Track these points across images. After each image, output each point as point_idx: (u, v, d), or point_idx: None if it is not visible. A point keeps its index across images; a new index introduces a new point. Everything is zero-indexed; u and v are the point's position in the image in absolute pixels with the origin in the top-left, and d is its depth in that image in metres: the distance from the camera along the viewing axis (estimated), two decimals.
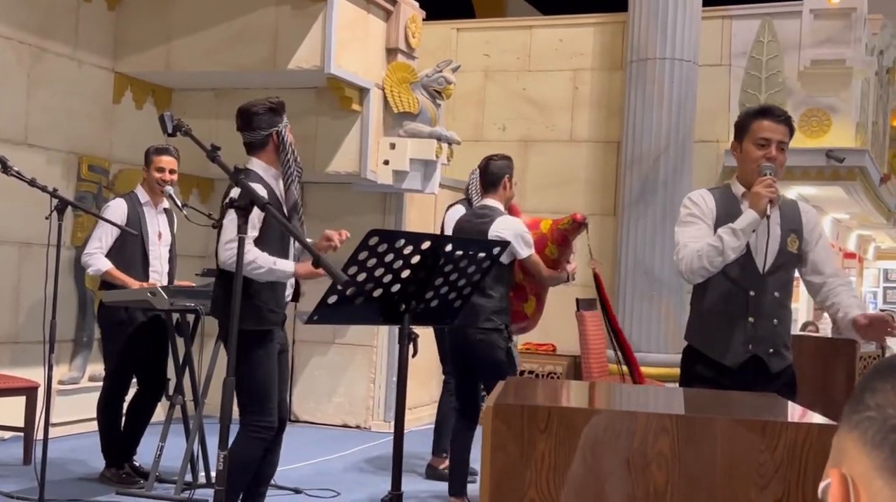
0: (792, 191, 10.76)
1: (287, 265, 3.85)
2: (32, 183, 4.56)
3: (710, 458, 2.07)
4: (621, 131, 8.67)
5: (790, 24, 8.77)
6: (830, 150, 8.66)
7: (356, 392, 7.79)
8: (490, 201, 5.02)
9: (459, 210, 5.87)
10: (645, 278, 8.19)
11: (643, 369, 8.02)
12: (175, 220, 5.65)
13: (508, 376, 4.83)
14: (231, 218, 3.67)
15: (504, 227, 4.86)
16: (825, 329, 11.40)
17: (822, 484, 0.91)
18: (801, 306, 12.90)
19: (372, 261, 2.61)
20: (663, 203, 8.18)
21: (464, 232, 4.86)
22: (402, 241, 2.65)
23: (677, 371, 8.15)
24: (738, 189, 3.53)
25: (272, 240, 3.88)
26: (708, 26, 8.69)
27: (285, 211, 3.97)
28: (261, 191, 3.73)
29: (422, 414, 7.92)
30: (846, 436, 0.89)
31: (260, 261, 3.77)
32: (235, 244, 3.69)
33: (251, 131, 4.00)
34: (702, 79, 8.48)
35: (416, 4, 7.74)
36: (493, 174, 5.05)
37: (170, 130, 3.07)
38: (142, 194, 5.47)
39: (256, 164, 4.00)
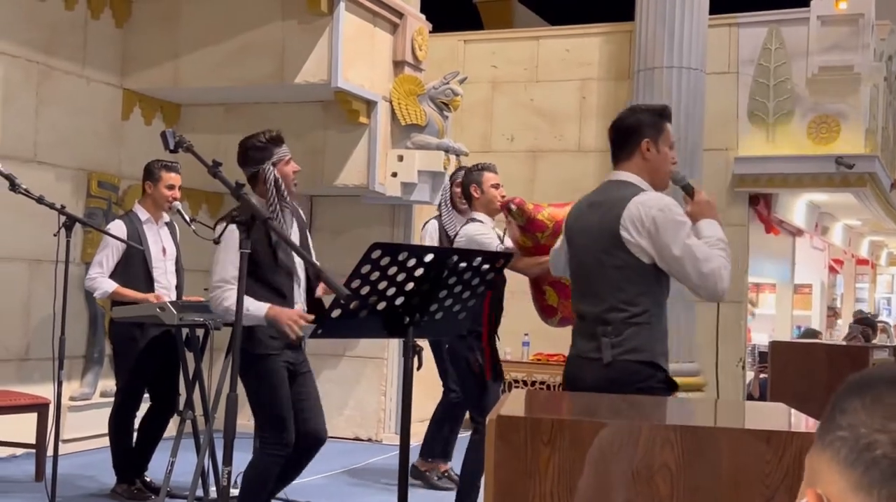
0: (802, 199, 10.73)
1: (259, 308, 3.85)
2: (40, 200, 4.59)
3: (714, 469, 2.06)
4: None
5: (798, 31, 8.75)
6: (840, 157, 8.62)
7: (367, 404, 7.79)
8: (475, 213, 5.06)
9: (435, 225, 6.01)
10: None
11: None
12: (178, 232, 5.66)
13: (478, 384, 4.80)
14: (220, 258, 3.78)
15: (461, 236, 4.91)
16: (835, 337, 11.35)
17: None
18: (814, 315, 12.86)
19: (375, 275, 2.61)
20: None
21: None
22: (405, 254, 2.64)
23: (688, 380, 8.15)
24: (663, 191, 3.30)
25: (268, 269, 3.95)
26: (715, 34, 8.68)
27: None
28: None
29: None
30: (819, 456, 0.89)
31: (233, 309, 3.79)
32: (224, 288, 3.80)
33: (244, 167, 4.12)
34: (709, 87, 8.47)
35: (423, 17, 7.75)
36: (464, 187, 5.13)
37: (171, 147, 3.08)
38: (141, 212, 5.47)
39: (254, 198, 4.02)
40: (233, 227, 3.68)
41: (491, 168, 5.15)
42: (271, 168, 4.04)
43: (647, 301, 3.16)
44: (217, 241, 3.53)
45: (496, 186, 5.03)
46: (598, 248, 3.15)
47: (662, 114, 3.30)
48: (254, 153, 4.08)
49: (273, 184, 4.03)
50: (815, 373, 6.11)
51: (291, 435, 4.07)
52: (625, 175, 3.23)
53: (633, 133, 3.23)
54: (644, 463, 2.03)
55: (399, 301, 2.74)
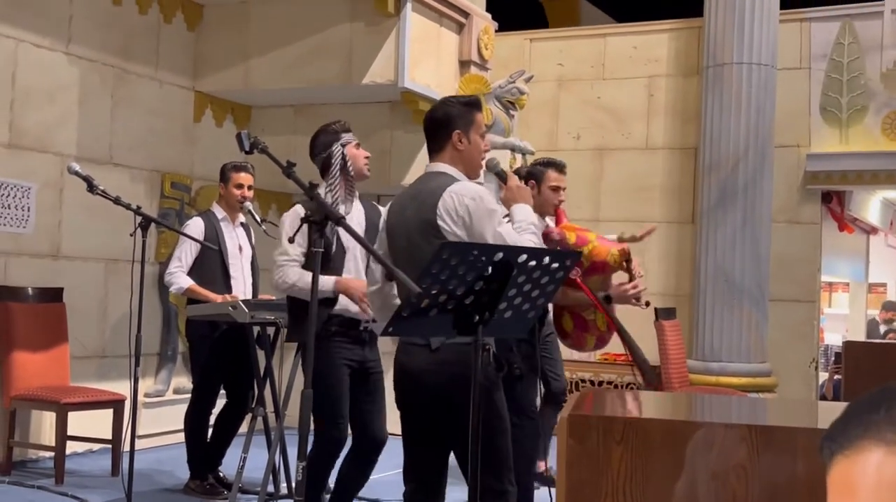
0: (877, 196, 10.49)
1: (326, 282, 3.95)
2: (117, 201, 4.70)
3: (790, 469, 2.03)
4: (698, 137, 8.56)
5: (871, 25, 8.56)
6: None
7: None
8: None
9: None
10: (725, 286, 8.06)
11: (725, 379, 7.90)
12: (252, 233, 5.76)
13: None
14: (280, 235, 3.95)
15: None
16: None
17: None
18: (858, 314, 12.54)
19: (445, 274, 2.63)
20: (743, 209, 8.04)
21: None
22: (475, 253, 2.65)
23: (760, 380, 8.04)
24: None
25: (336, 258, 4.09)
26: (786, 29, 8.53)
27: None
28: (293, 215, 4.02)
29: None
30: (858, 458, 0.84)
31: (300, 283, 4.04)
32: (285, 265, 4.05)
33: (315, 157, 4.29)
34: (781, 83, 8.33)
35: (489, 16, 7.76)
36: (525, 180, 5.13)
37: (247, 148, 3.13)
38: (218, 211, 5.59)
39: (322, 186, 4.18)
40: (296, 208, 4.02)
41: (557, 166, 5.07)
42: (340, 148, 4.21)
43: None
44: (291, 240, 3.58)
45: (556, 189, 4.95)
46: (417, 237, 3.23)
47: (472, 104, 3.42)
48: (324, 137, 4.25)
49: (340, 160, 4.17)
50: (890, 374, 5.98)
51: (342, 432, 4.10)
52: (440, 166, 3.35)
53: (444, 125, 3.34)
54: (719, 462, 2.02)
55: (468, 300, 2.75)
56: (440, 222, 3.18)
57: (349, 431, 4.23)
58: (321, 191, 4.10)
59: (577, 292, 4.33)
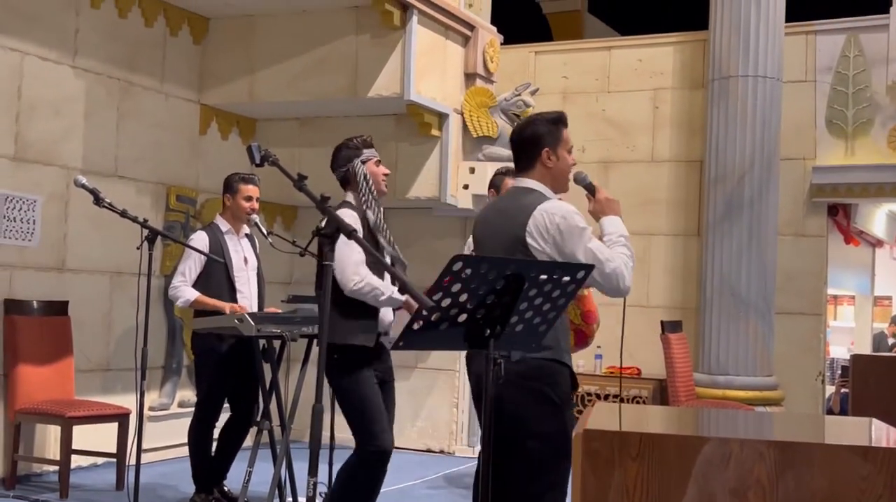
0: (883, 209, 10.48)
1: (398, 294, 4.12)
2: (124, 214, 4.69)
3: (809, 485, 2.01)
4: (704, 150, 8.55)
5: (877, 38, 8.55)
6: None
7: (439, 416, 7.79)
8: None
9: None
10: (731, 299, 8.03)
11: (732, 392, 7.86)
12: (257, 243, 5.74)
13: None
14: (344, 243, 3.76)
15: (467, 246, 5.01)
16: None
17: None
18: (864, 327, 12.50)
19: (456, 287, 2.61)
20: (749, 222, 8.02)
21: None
22: (487, 266, 2.63)
23: (766, 394, 8.00)
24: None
25: (371, 270, 4.13)
26: (791, 42, 8.52)
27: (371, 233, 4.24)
28: (352, 218, 4.10)
29: None
30: None
31: (382, 288, 4.10)
32: (360, 274, 4.02)
33: (336, 169, 4.36)
34: (786, 95, 8.32)
35: (494, 29, 7.77)
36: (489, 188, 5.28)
37: (258, 160, 3.12)
38: (223, 223, 5.56)
39: (350, 196, 4.32)
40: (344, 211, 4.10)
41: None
42: (360, 165, 4.28)
43: None
44: (302, 254, 3.57)
45: None
46: (504, 253, 3.28)
47: (558, 121, 3.48)
48: (346, 152, 4.32)
49: (364, 178, 4.26)
50: (863, 386, 5.93)
51: (387, 441, 4.14)
52: (529, 182, 3.43)
53: (533, 143, 3.42)
54: (737, 478, 1.99)
55: (480, 313, 2.73)
56: (529, 239, 3.26)
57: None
58: (354, 202, 4.26)
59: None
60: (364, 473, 4.14)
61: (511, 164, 4.96)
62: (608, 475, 2.05)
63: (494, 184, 5.10)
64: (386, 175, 4.40)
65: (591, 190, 3.54)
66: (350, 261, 4.03)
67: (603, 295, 3.44)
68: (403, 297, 4.11)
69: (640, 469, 2.04)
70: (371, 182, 4.28)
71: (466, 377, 7.61)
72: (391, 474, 4.35)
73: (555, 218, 3.25)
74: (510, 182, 5.00)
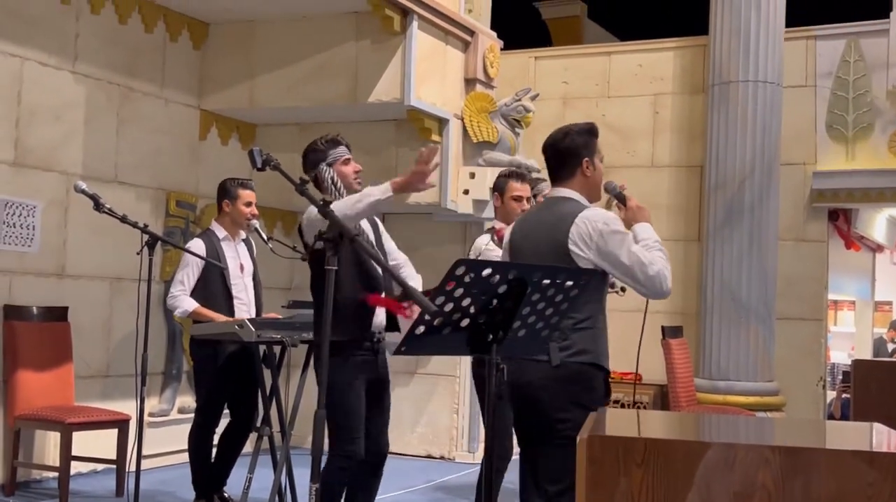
0: (883, 214, 10.47)
1: (385, 190, 3.91)
2: (124, 219, 4.67)
3: (815, 491, 2.00)
4: (704, 155, 8.54)
5: (877, 43, 8.56)
6: None
7: (439, 422, 7.77)
8: (495, 222, 5.15)
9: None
10: (732, 304, 8.02)
11: (733, 398, 7.84)
12: (254, 248, 5.71)
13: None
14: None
15: (473, 249, 5.05)
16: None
17: None
18: (865, 332, 12.49)
19: (459, 291, 2.59)
20: (749, 227, 8.02)
21: None
22: (489, 271, 2.62)
23: (767, 399, 7.98)
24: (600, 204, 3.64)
25: (358, 276, 4.06)
26: (791, 47, 8.53)
27: None
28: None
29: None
30: None
31: (355, 196, 3.97)
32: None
33: (306, 173, 4.22)
34: (787, 100, 8.32)
35: (494, 34, 7.76)
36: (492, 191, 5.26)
37: (259, 165, 3.11)
38: (219, 230, 5.53)
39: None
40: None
41: (518, 176, 5.08)
42: (326, 168, 4.19)
43: (591, 307, 3.41)
44: (304, 259, 3.56)
45: (518, 199, 4.98)
46: (546, 260, 3.38)
47: (592, 132, 3.61)
48: (312, 156, 4.24)
49: (331, 182, 4.17)
50: (866, 391, 5.91)
51: (359, 448, 4.05)
52: (565, 191, 3.54)
53: (572, 154, 3.53)
54: (742, 483, 1.98)
55: (482, 318, 2.72)
56: (571, 246, 3.37)
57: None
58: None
59: None
60: (336, 476, 4.07)
61: (514, 167, 4.98)
62: (613, 481, 2.04)
63: (498, 187, 5.08)
64: (357, 172, 4.27)
65: (621, 199, 3.65)
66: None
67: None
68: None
69: (645, 475, 2.03)
70: (340, 184, 4.19)
71: (467, 382, 7.63)
72: (392, 480, 4.34)
73: (597, 224, 3.36)
74: (515, 185, 5.01)
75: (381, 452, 4.28)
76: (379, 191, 3.89)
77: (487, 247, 4.90)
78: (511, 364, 3.45)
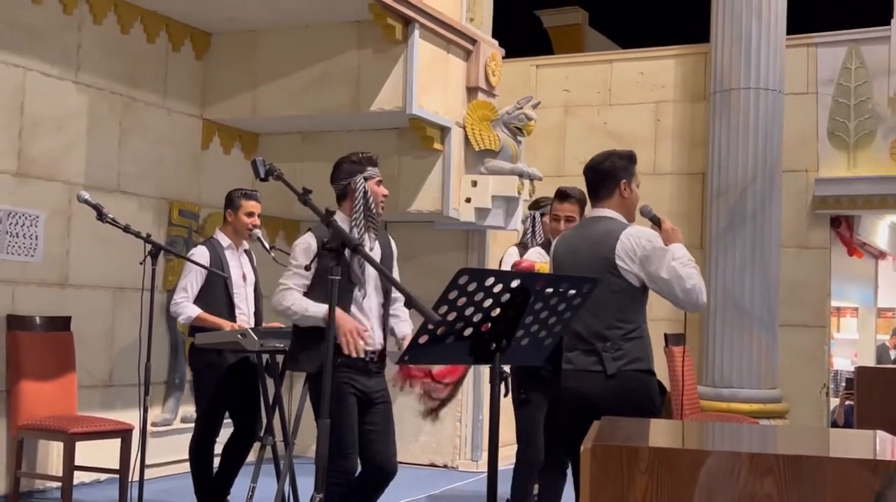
0: (885, 220, 10.47)
1: (320, 310, 3.93)
2: (126, 229, 4.68)
3: (818, 500, 1.99)
4: (706, 163, 8.55)
5: (878, 50, 8.57)
6: None
7: (443, 431, 7.76)
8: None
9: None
10: (735, 312, 8.02)
11: (736, 405, 7.84)
12: (254, 258, 5.72)
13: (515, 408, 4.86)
14: (293, 265, 3.99)
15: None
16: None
17: None
18: (868, 339, 12.48)
19: (462, 300, 2.60)
20: (752, 234, 8.02)
21: None
22: (492, 280, 2.63)
23: (771, 407, 7.96)
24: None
25: (321, 286, 3.95)
26: (793, 54, 8.54)
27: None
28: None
29: (510, 453, 7.84)
30: None
31: (294, 307, 4.02)
32: (283, 288, 4.02)
33: (334, 182, 4.25)
34: (788, 107, 8.33)
35: (496, 42, 7.78)
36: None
37: (262, 175, 3.12)
38: (223, 238, 5.54)
39: (338, 215, 4.14)
40: (307, 236, 4.06)
41: (559, 195, 5.14)
42: (362, 181, 4.17)
43: (638, 317, 3.69)
44: (307, 268, 3.56)
45: (556, 218, 5.07)
46: (593, 275, 3.50)
47: (632, 158, 3.91)
48: (348, 166, 4.22)
49: (362, 195, 4.15)
50: (868, 398, 5.90)
51: (352, 463, 4.02)
52: (606, 211, 3.81)
53: (612, 176, 3.81)
54: (746, 492, 1.98)
55: (485, 327, 2.72)
56: (618, 261, 3.62)
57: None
58: (339, 221, 4.07)
59: None
60: (330, 492, 4.04)
61: (565, 188, 5.12)
62: (618, 489, 2.04)
63: (539, 206, 5.19)
64: (385, 197, 4.29)
65: (656, 221, 3.88)
66: (283, 279, 4.06)
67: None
68: (320, 313, 3.91)
69: (650, 483, 2.03)
70: (371, 199, 4.17)
71: (470, 391, 7.62)
72: (395, 489, 4.33)
73: (641, 240, 3.63)
74: (556, 204, 5.09)
75: (383, 470, 4.16)
76: (316, 312, 3.97)
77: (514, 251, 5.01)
78: (567, 373, 3.69)
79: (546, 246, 5.09)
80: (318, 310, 3.93)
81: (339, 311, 3.92)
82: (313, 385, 4.04)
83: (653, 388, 3.69)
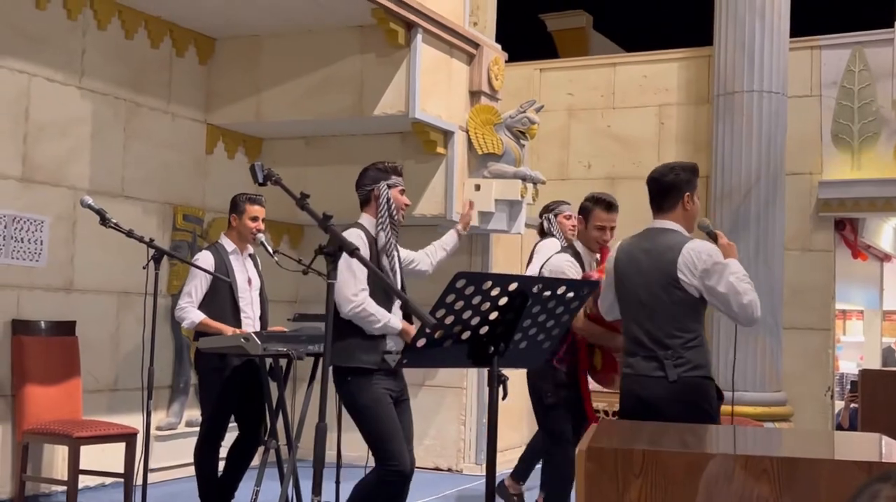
0: (890, 223, 10.46)
1: (395, 322, 4.16)
2: (130, 234, 4.70)
3: (813, 501, 2.00)
4: (710, 165, 8.55)
5: (882, 52, 8.56)
6: None
7: (447, 434, 7.77)
8: (576, 242, 5.12)
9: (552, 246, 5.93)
10: None
11: (740, 408, 7.83)
12: (259, 263, 5.74)
13: (544, 412, 4.94)
14: (346, 267, 4.01)
15: (550, 266, 4.98)
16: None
17: None
18: (873, 342, 12.46)
19: (459, 304, 2.61)
20: (756, 237, 8.01)
21: None
22: (490, 283, 2.64)
23: (775, 410, 7.95)
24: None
25: (376, 291, 4.15)
26: (796, 57, 8.54)
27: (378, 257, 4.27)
28: (357, 237, 4.12)
29: (512, 457, 7.84)
30: None
31: (378, 315, 4.12)
32: (359, 298, 4.06)
33: (359, 188, 4.37)
34: (792, 110, 8.33)
35: (499, 46, 7.79)
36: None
37: (261, 180, 3.14)
38: (228, 243, 5.55)
39: (364, 218, 4.32)
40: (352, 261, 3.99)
41: (605, 204, 5.01)
42: (386, 188, 4.29)
43: (697, 326, 3.82)
44: (306, 272, 3.59)
45: (601, 229, 4.98)
46: (656, 286, 3.79)
47: (695, 171, 4.00)
48: (374, 173, 4.34)
49: (386, 202, 4.27)
50: (873, 402, 5.88)
51: (402, 461, 4.12)
52: (668, 223, 3.91)
53: (676, 188, 3.90)
54: (740, 495, 1.98)
55: (483, 330, 2.73)
56: (680, 275, 3.75)
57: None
58: (366, 224, 4.26)
59: (618, 337, 4.30)
60: (382, 493, 4.13)
61: (602, 195, 5.04)
62: (611, 492, 2.05)
63: (584, 211, 5.01)
64: (406, 205, 4.43)
65: (712, 236, 3.96)
66: (350, 284, 4.06)
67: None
68: (399, 326, 4.16)
69: (644, 485, 2.04)
70: (393, 207, 4.29)
71: (474, 394, 7.63)
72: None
73: (702, 255, 3.74)
74: (601, 214, 4.93)
75: (410, 471, 4.29)
76: (392, 326, 4.17)
77: (568, 262, 4.86)
78: (628, 379, 3.81)
79: (568, 250, 5.05)
80: (396, 323, 4.17)
81: (405, 324, 4.20)
82: (346, 383, 4.12)
83: (711, 393, 3.80)
